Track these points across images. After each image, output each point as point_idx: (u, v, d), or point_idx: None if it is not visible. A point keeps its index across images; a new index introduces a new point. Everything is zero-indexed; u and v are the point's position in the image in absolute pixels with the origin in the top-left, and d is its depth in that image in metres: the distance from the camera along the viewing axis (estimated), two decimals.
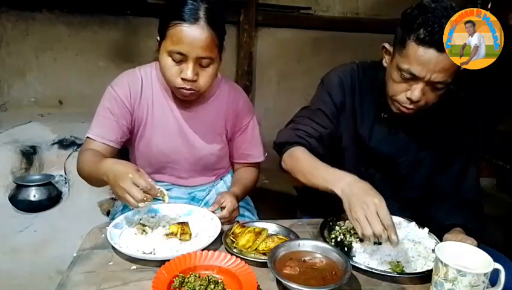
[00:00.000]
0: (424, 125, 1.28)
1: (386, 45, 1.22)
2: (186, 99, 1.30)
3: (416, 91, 1.12)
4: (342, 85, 1.32)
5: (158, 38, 1.22)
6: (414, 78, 1.11)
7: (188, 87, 1.20)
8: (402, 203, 1.35)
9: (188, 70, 1.17)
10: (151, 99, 1.34)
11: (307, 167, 1.18)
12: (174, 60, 1.18)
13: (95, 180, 1.23)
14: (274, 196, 2.99)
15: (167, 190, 1.44)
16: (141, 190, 1.03)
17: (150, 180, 1.06)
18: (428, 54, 1.06)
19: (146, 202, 1.05)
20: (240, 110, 1.44)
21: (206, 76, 1.21)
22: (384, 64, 1.24)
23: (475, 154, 1.33)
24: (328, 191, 1.08)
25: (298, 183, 1.24)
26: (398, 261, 1.02)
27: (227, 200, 1.27)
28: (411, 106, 1.16)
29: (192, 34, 1.13)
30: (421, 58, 1.08)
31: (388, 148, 1.31)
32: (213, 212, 1.22)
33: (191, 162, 1.43)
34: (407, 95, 1.15)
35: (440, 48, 1.05)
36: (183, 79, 1.19)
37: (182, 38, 1.14)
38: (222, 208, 1.26)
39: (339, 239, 1.11)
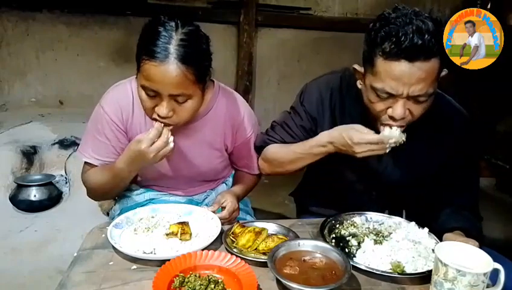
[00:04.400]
0: (413, 135, 1.11)
1: (356, 67, 1.11)
2: None
3: (397, 109, 1.02)
4: (320, 101, 1.26)
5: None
6: (392, 96, 1.02)
7: (164, 122, 1.12)
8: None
9: (162, 108, 1.09)
10: (144, 118, 1.25)
11: (289, 151, 1.25)
12: (148, 95, 1.10)
13: (112, 185, 1.26)
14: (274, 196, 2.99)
15: (166, 197, 1.43)
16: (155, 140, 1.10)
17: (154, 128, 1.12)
18: (399, 67, 0.97)
19: (168, 137, 1.12)
20: (240, 124, 1.35)
21: (183, 112, 1.13)
22: (359, 86, 1.14)
23: (474, 163, 1.27)
24: (322, 152, 1.17)
25: (282, 175, 1.34)
26: (398, 261, 1.02)
27: (227, 200, 1.27)
28: (397, 124, 1.06)
29: (162, 72, 1.04)
30: (392, 73, 0.98)
31: (374, 161, 1.24)
32: (213, 212, 1.22)
33: (189, 177, 1.39)
34: (389, 113, 1.05)
35: (411, 58, 0.96)
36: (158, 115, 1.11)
37: (152, 76, 1.05)
38: (222, 208, 1.26)
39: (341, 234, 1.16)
